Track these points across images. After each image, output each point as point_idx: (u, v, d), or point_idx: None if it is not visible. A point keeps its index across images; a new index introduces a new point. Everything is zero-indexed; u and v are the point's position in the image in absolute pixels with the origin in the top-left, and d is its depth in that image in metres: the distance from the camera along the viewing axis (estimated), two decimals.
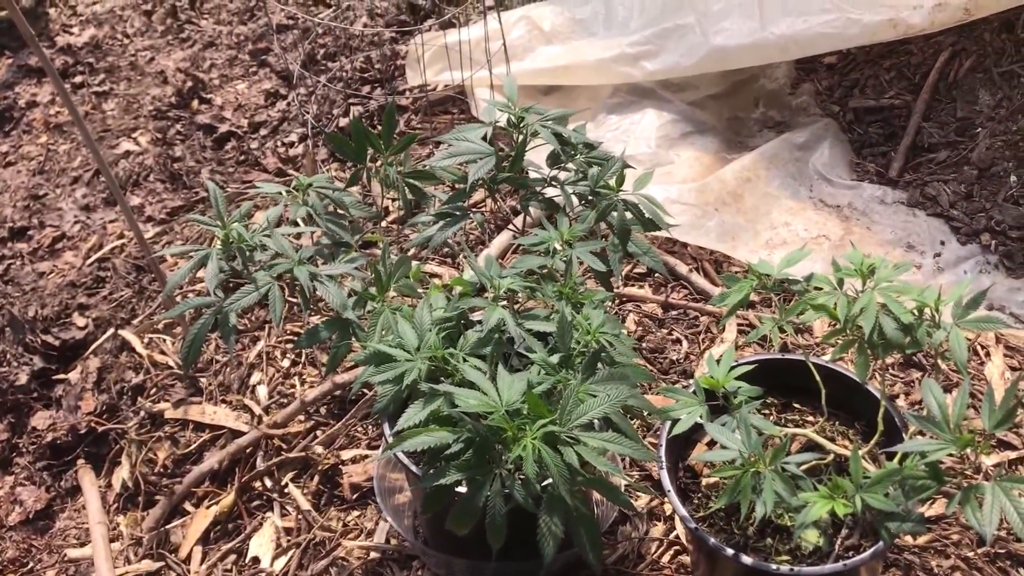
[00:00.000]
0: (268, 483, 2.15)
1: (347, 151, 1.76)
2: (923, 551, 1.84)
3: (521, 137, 1.73)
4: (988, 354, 2.20)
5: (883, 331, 1.41)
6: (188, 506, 2.15)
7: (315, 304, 1.67)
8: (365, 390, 2.21)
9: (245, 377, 2.40)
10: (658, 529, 1.94)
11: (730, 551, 1.48)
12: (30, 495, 2.26)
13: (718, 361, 1.55)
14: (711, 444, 1.59)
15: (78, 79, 3.62)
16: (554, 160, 1.77)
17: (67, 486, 2.28)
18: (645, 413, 1.54)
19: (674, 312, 2.41)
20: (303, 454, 2.17)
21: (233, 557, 2.03)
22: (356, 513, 2.06)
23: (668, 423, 1.58)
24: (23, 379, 2.46)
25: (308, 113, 3.22)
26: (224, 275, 1.63)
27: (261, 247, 1.65)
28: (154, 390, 2.41)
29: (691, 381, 1.66)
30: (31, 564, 2.14)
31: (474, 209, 1.92)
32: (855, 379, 1.56)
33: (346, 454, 2.17)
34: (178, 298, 2.57)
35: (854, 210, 2.64)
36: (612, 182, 1.70)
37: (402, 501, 1.95)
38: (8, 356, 2.53)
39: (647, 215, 1.70)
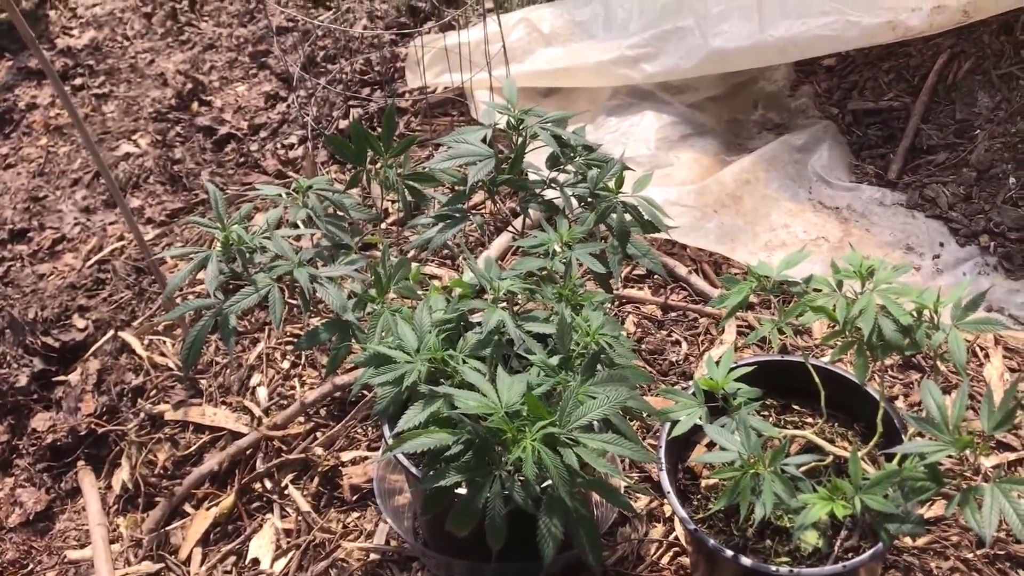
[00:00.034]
0: (268, 485, 2.15)
1: (347, 153, 1.77)
2: (922, 552, 1.84)
3: (520, 139, 1.73)
4: (987, 355, 2.20)
5: (882, 333, 1.42)
6: (188, 508, 2.15)
7: (315, 306, 1.67)
8: (365, 392, 2.21)
9: (245, 379, 2.40)
10: (657, 530, 1.94)
11: (729, 552, 1.48)
12: (30, 497, 2.26)
13: (717, 363, 1.55)
14: (710, 446, 1.59)
15: (78, 81, 3.62)
16: (553, 162, 1.77)
17: (67, 488, 2.28)
18: (644, 415, 1.54)
19: (673, 314, 2.41)
20: (303, 456, 2.17)
21: (233, 559, 2.04)
22: (356, 515, 2.06)
23: (667, 425, 1.58)
24: (23, 381, 2.46)
25: (308, 115, 3.22)
26: (224, 277, 1.63)
27: (261, 249, 1.65)
28: (154, 392, 2.41)
29: (690, 383, 1.66)
30: (31, 566, 2.14)
31: (474, 211, 1.93)
32: (854, 381, 1.56)
33: (346, 456, 2.17)
34: (178, 300, 2.57)
35: (853, 212, 2.65)
36: (611, 184, 1.70)
37: (402, 503, 1.95)
38: (8, 358, 2.53)
39: (646, 217, 1.71)
